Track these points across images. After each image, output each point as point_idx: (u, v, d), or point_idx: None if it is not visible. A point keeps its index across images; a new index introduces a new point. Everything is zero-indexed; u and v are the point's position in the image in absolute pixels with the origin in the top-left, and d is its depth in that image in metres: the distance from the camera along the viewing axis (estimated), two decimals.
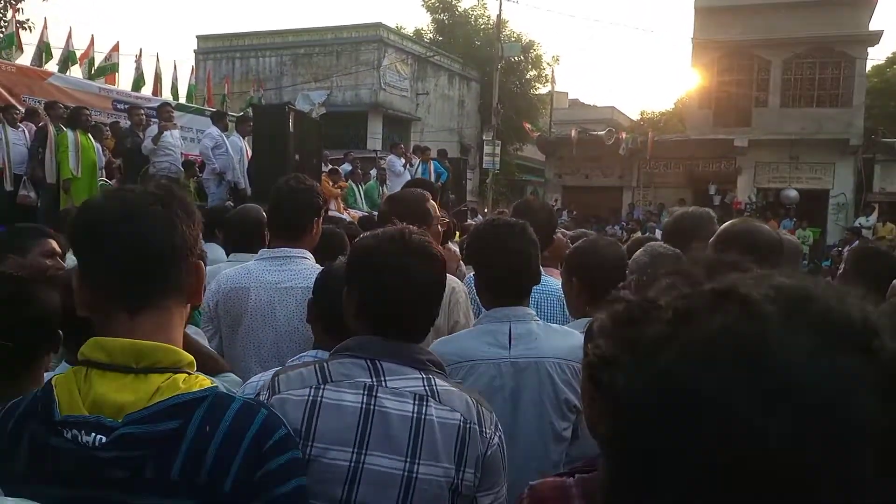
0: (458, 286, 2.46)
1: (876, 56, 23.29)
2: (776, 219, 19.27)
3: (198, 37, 25.35)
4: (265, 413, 1.12)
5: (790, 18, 20.46)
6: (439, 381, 1.43)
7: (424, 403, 1.38)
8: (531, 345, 1.88)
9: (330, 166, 11.95)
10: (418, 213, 2.31)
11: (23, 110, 8.94)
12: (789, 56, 21.22)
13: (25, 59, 11.77)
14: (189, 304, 1.21)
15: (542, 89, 29.56)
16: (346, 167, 12.94)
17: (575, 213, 21.37)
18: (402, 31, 27.29)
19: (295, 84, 23.60)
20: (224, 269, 2.76)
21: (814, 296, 0.49)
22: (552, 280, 2.58)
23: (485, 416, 1.44)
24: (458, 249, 5.27)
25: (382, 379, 1.39)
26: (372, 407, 1.36)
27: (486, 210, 19.17)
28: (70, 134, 8.20)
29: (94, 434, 1.02)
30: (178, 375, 1.09)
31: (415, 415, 1.37)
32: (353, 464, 1.34)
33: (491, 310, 1.95)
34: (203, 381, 1.12)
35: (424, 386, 1.40)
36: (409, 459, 1.35)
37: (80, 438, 1.02)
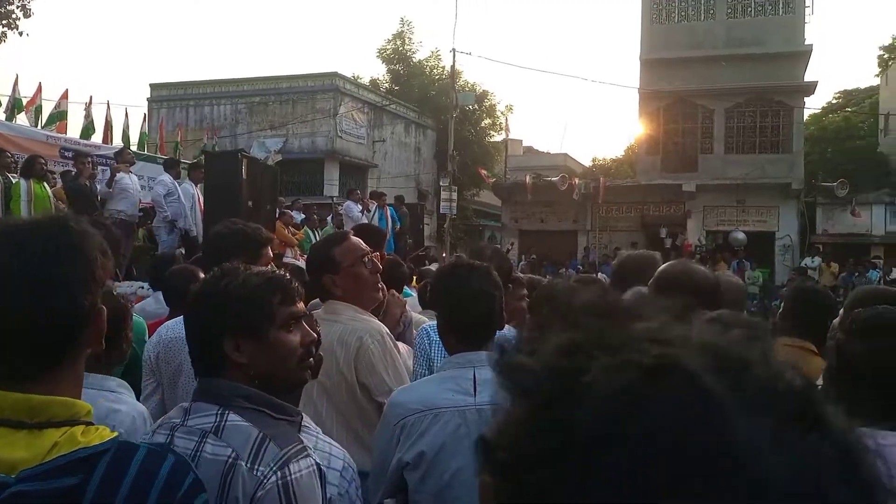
0: (369, 337, 2.22)
1: (813, 105, 24.47)
2: (725, 260, 19.82)
3: (151, 84, 25.12)
4: (172, 459, 1.04)
5: (731, 70, 21.46)
6: (233, 417, 1.33)
7: (203, 440, 1.32)
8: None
9: (278, 211, 11.85)
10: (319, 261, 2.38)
11: None
12: (731, 105, 22.19)
13: None
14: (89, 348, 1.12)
15: (497, 137, 30.13)
16: (300, 215, 12.85)
17: (534, 257, 21.57)
18: (359, 80, 27.59)
19: (250, 132, 23.51)
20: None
21: (749, 360, 0.44)
22: (510, 329, 2.52)
23: (266, 454, 1.28)
24: (415, 295, 5.22)
25: (186, 418, 1.38)
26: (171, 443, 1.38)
27: (444, 255, 19.21)
28: (23, 183, 7.97)
29: None
30: (75, 428, 1.01)
31: (191, 452, 1.31)
32: None
33: (454, 355, 1.88)
34: (104, 433, 1.04)
35: (214, 422, 1.34)
36: None
37: None
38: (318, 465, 1.30)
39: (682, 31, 22.48)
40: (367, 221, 12.13)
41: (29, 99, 12.36)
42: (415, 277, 6.02)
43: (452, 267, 1.94)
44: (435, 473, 1.78)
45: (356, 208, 12.61)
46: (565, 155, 36.96)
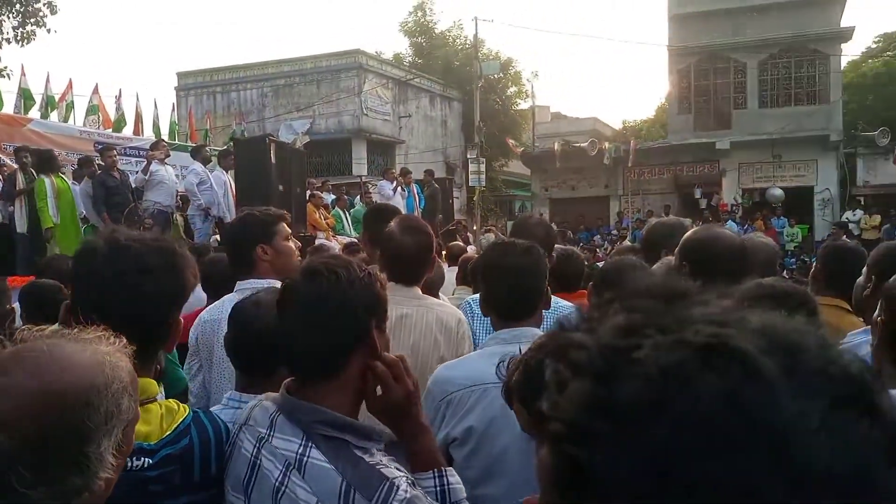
0: (464, 317, 2.40)
1: (850, 52, 23.50)
2: (763, 218, 19.42)
3: (178, 73, 25.35)
4: (221, 423, 1.43)
5: (761, 20, 20.80)
6: (315, 454, 1.24)
7: (289, 473, 1.25)
8: None
9: (309, 192, 11.94)
10: None
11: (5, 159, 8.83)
12: (764, 57, 21.52)
13: (9, 108, 11.66)
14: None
15: (524, 104, 29.80)
16: (331, 196, 12.94)
17: (565, 224, 21.41)
18: (381, 56, 27.46)
19: (277, 115, 23.63)
20: None
21: (804, 345, 0.44)
22: (563, 302, 2.52)
23: None
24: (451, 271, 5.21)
25: (272, 433, 1.32)
26: (258, 460, 1.32)
27: (475, 227, 19.17)
28: (46, 180, 8.01)
29: (142, 458, 1.24)
30: (164, 403, 1.36)
31: (276, 481, 1.26)
32: None
33: (499, 331, 1.89)
34: (180, 406, 1.39)
35: (297, 452, 1.26)
36: None
37: (129, 464, 1.19)
38: (411, 495, 1.18)
39: None
40: (400, 199, 12.18)
41: (60, 95, 12.57)
42: (444, 253, 6.02)
43: (492, 245, 1.94)
44: (484, 448, 1.79)
45: (388, 187, 12.69)
46: (595, 119, 36.41)
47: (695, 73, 22.36)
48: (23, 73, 12.07)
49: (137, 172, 9.29)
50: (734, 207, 20.93)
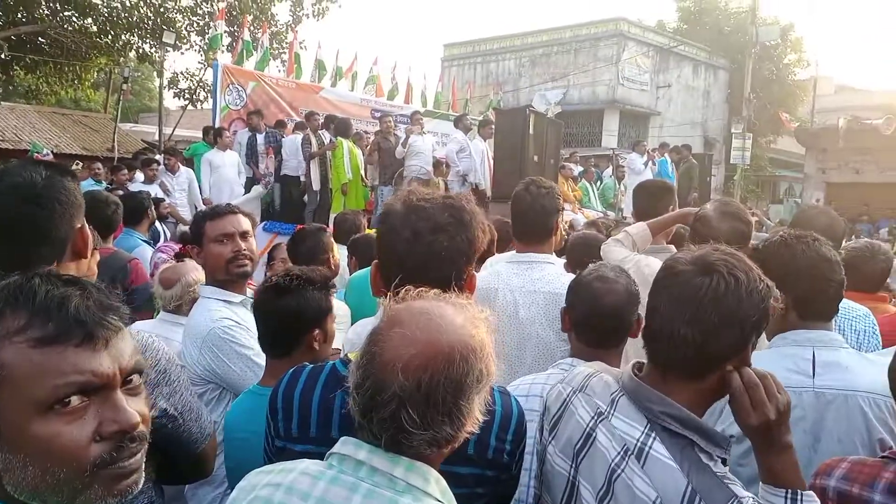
0: None
1: None
2: None
3: (444, 45, 26.87)
4: (514, 398, 1.34)
5: None
6: (658, 447, 1.19)
7: (626, 459, 1.21)
8: (840, 375, 1.66)
9: (561, 164, 11.94)
10: None
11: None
12: None
13: (306, 77, 13.41)
14: None
15: (803, 74, 26.54)
16: (578, 168, 12.84)
17: (839, 212, 18.76)
18: (643, 23, 26.29)
19: (532, 85, 23.95)
20: None
21: None
22: (850, 303, 2.27)
23: None
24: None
25: (612, 410, 1.28)
26: (594, 433, 1.29)
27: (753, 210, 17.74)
28: (345, 142, 9.20)
29: None
30: None
31: (611, 461, 1.23)
32: (571, 478, 1.30)
33: (790, 332, 1.75)
34: None
35: (638, 440, 1.21)
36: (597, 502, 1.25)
37: None
38: None
39: None
40: (650, 174, 11.71)
41: (347, 66, 14.09)
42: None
43: (791, 239, 1.77)
44: None
45: (640, 160, 12.25)
46: (890, 93, 31.17)
47: None
48: (319, 47, 13.76)
49: (398, 145, 10.12)
50: None
